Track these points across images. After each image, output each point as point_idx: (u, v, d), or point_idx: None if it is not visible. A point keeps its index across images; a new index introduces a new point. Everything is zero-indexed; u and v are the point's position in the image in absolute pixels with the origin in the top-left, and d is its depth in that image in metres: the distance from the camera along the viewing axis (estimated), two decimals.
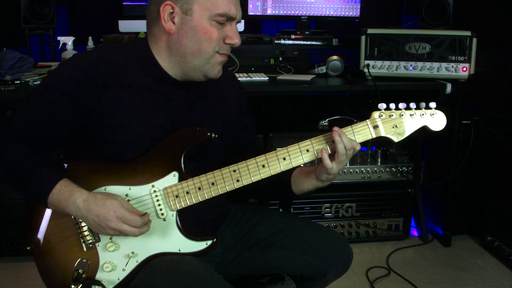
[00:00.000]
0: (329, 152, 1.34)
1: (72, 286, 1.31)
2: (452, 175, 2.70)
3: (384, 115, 1.34)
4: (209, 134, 1.35)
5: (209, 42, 1.31)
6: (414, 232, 2.95)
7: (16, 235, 2.50)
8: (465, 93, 2.60)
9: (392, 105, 1.33)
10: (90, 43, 2.69)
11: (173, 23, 1.30)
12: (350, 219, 2.79)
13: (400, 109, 1.34)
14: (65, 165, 1.35)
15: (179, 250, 1.34)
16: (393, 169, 2.75)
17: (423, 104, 1.34)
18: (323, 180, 1.39)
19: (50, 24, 2.65)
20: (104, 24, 3.13)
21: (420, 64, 2.53)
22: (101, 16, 3.18)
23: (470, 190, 2.77)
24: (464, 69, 2.51)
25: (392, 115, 1.34)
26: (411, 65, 2.54)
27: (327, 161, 1.32)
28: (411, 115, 1.34)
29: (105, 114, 1.30)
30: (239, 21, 1.36)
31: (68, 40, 2.54)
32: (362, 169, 2.73)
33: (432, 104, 1.34)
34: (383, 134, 1.35)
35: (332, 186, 2.73)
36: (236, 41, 1.34)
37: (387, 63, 2.55)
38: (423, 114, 1.34)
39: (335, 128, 1.31)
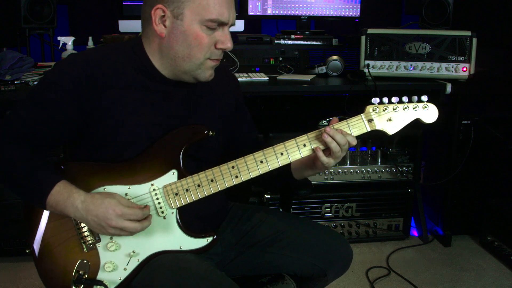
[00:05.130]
0: (324, 147, 1.35)
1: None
2: (452, 175, 2.70)
3: (378, 109, 1.36)
4: (206, 132, 1.35)
5: (199, 47, 1.29)
6: (414, 232, 2.95)
7: (16, 235, 2.51)
8: (465, 93, 2.59)
9: (385, 99, 1.35)
10: (90, 43, 2.68)
11: (164, 26, 1.29)
12: (350, 219, 2.79)
13: (393, 103, 1.36)
14: (62, 167, 1.34)
15: (180, 248, 1.34)
16: (393, 169, 2.75)
17: (415, 98, 1.37)
18: (322, 170, 1.41)
19: (50, 24, 2.65)
20: (104, 24, 3.13)
21: (420, 64, 2.53)
22: (101, 16, 3.18)
23: (470, 190, 2.78)
24: (464, 69, 2.51)
25: (386, 109, 1.36)
26: (411, 65, 2.54)
27: (323, 158, 1.34)
28: (404, 108, 1.36)
29: (104, 114, 1.30)
30: (232, 25, 1.34)
31: (68, 40, 2.54)
32: (362, 169, 2.73)
33: (424, 97, 1.36)
34: (377, 127, 1.37)
35: (332, 186, 2.77)
36: (228, 45, 1.32)
37: (387, 63, 2.55)
38: (415, 107, 1.36)
39: (327, 129, 1.33)
